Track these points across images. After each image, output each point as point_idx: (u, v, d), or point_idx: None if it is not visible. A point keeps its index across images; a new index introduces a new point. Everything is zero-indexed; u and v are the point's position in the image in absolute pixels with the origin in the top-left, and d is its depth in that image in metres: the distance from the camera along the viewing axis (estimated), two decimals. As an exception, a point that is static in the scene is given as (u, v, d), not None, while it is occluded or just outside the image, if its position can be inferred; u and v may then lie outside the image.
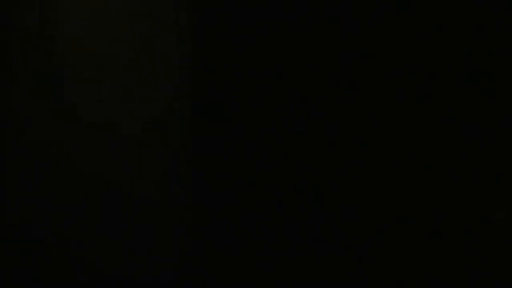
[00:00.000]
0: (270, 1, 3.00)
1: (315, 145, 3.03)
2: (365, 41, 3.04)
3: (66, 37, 3.49)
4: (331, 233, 3.03)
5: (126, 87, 3.19)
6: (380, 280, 3.02)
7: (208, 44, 2.93)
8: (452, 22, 2.97)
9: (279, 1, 3.00)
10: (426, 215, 2.99)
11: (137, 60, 3.13)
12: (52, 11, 3.57)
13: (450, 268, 2.95)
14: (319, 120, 3.03)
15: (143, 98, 3.11)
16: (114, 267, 3.28)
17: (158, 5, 3.03)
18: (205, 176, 2.94)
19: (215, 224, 2.96)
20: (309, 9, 3.02)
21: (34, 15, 3.68)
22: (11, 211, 3.85)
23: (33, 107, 3.71)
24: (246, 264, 2.98)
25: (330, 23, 3.03)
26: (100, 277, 3.34)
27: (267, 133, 3.00)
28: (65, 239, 3.53)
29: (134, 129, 3.16)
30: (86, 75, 3.39)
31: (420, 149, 3.01)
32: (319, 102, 3.03)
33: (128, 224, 3.19)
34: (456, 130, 2.96)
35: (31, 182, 3.74)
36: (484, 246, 2.91)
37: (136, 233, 3.16)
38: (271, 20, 3.00)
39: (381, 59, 3.03)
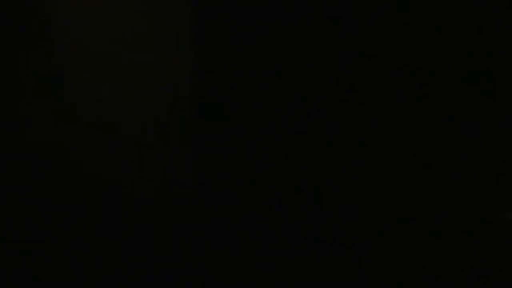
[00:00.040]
0: (272, 1, 2.99)
1: (315, 145, 3.03)
2: (365, 41, 3.03)
3: (66, 37, 3.49)
4: (331, 233, 3.03)
5: (126, 87, 3.20)
6: (380, 280, 3.01)
7: (209, 44, 2.93)
8: (452, 22, 2.97)
9: (280, 1, 3.00)
10: (427, 215, 2.99)
11: (138, 60, 3.14)
12: (52, 11, 3.57)
13: (458, 270, 2.94)
14: (319, 120, 3.03)
15: (143, 98, 3.11)
16: (114, 267, 3.28)
17: (159, 5, 3.03)
18: (206, 176, 2.93)
19: (216, 224, 2.95)
20: (310, 9, 3.02)
21: (34, 15, 3.67)
22: (11, 211, 3.85)
23: (33, 107, 3.71)
24: (247, 264, 2.98)
25: (331, 23, 3.03)
26: (100, 277, 3.34)
27: (268, 133, 3.00)
28: (65, 239, 3.53)
29: (134, 129, 3.16)
30: (86, 75, 3.39)
31: (423, 149, 3.01)
32: (319, 102, 3.03)
33: (128, 224, 3.19)
34: (458, 130, 2.96)
35: (31, 182, 3.73)
36: (494, 247, 2.90)
37: (136, 233, 3.16)
38: (272, 19, 3.00)
39: (381, 59, 3.03)
